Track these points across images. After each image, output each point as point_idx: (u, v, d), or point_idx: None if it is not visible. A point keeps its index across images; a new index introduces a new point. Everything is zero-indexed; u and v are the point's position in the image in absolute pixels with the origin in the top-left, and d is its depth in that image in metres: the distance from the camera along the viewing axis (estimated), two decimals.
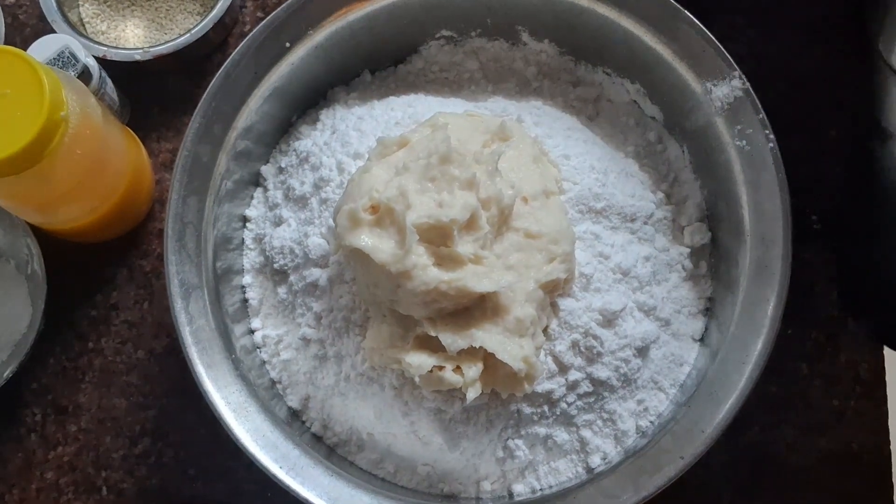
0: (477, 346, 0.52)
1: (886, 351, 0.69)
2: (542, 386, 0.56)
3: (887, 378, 0.68)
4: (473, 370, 0.52)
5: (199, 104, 0.60)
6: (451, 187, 0.51)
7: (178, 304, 0.57)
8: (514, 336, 0.53)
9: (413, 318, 0.53)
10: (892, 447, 0.67)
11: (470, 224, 0.52)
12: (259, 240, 0.63)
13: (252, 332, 0.62)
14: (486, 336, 0.52)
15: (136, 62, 0.69)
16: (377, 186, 0.53)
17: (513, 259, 0.53)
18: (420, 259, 0.51)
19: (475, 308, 0.53)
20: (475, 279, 0.51)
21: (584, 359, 0.56)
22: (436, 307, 0.52)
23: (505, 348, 0.52)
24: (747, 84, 0.59)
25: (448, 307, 0.52)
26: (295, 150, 0.63)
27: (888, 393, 0.68)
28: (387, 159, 0.55)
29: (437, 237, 0.51)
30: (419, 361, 0.52)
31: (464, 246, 0.51)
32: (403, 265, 0.50)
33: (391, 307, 0.53)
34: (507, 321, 0.52)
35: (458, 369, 0.52)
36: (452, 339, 0.52)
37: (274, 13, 0.61)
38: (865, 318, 0.67)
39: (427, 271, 0.51)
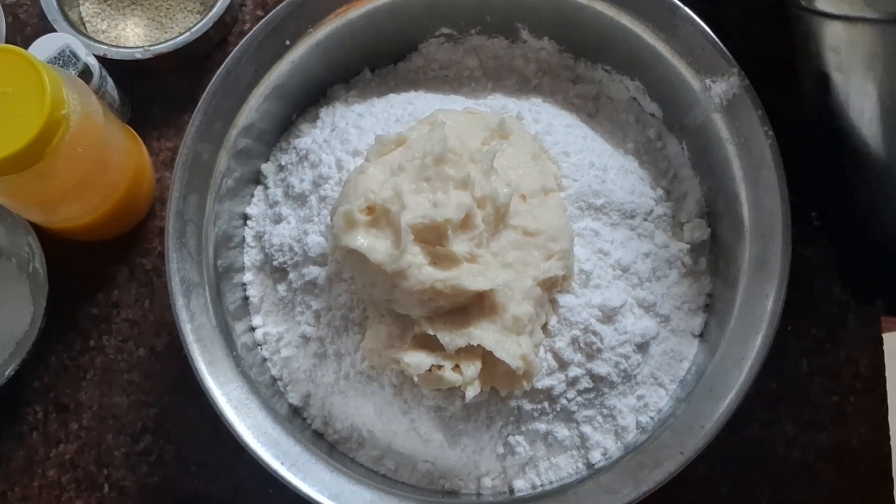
0: (475, 345, 0.52)
1: (886, 347, 0.69)
2: (542, 382, 0.56)
3: (887, 374, 0.68)
4: (472, 369, 0.52)
5: (200, 102, 0.60)
6: (445, 187, 0.52)
7: (179, 302, 0.57)
8: (511, 334, 0.53)
9: (411, 317, 0.53)
10: (891, 443, 0.67)
11: (465, 223, 0.52)
12: (259, 237, 0.63)
13: (253, 329, 0.63)
14: (484, 334, 0.52)
15: (137, 61, 0.69)
16: (373, 187, 0.53)
17: (510, 257, 0.54)
18: (415, 258, 0.51)
19: (473, 306, 0.53)
20: (470, 277, 0.51)
21: (584, 355, 0.57)
22: (433, 306, 0.52)
23: (503, 346, 0.52)
24: (746, 80, 0.59)
25: (445, 306, 0.52)
26: (295, 148, 0.64)
27: (888, 389, 0.68)
28: (383, 159, 0.55)
29: (433, 237, 0.51)
30: (417, 361, 0.52)
31: (459, 245, 0.52)
32: (399, 265, 0.51)
33: (389, 307, 0.54)
34: (504, 319, 0.53)
35: (456, 368, 0.53)
36: (450, 338, 0.52)
37: (274, 11, 0.61)
38: (860, 286, 0.67)
39: (422, 270, 0.51)
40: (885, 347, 0.68)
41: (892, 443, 0.67)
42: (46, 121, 0.53)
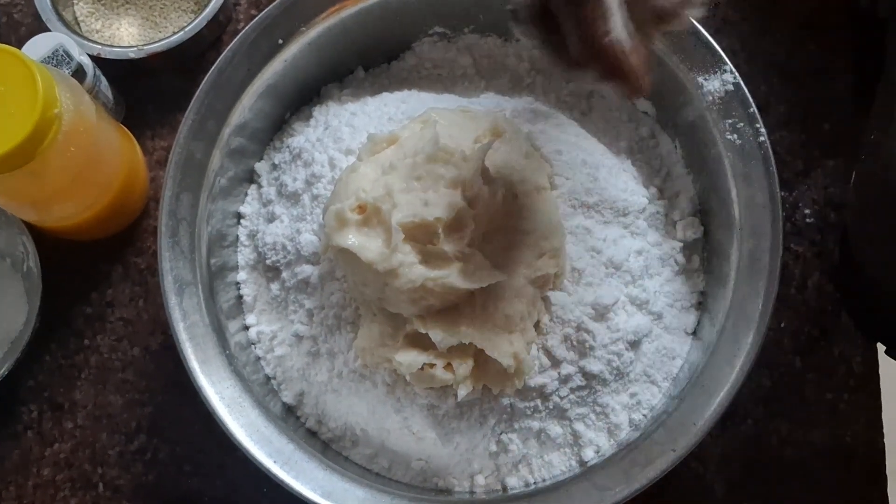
0: (467, 343, 0.52)
1: (880, 344, 0.69)
2: (535, 380, 0.56)
3: (881, 371, 0.68)
4: (464, 367, 0.53)
5: (193, 101, 0.60)
6: (436, 186, 0.52)
7: (171, 301, 0.58)
8: (503, 332, 0.53)
9: (403, 316, 0.53)
10: (885, 440, 0.67)
11: (456, 222, 0.52)
12: (253, 236, 0.63)
13: (246, 328, 0.63)
14: (476, 333, 0.52)
15: (131, 60, 0.69)
16: (364, 186, 0.53)
17: (502, 255, 0.54)
18: (406, 257, 0.51)
19: (465, 305, 0.53)
20: (461, 276, 0.52)
21: (577, 352, 0.57)
22: (424, 304, 0.52)
23: (494, 345, 0.52)
24: (738, 78, 0.59)
25: (436, 304, 0.52)
26: (288, 147, 0.64)
27: (881, 386, 0.68)
28: (375, 157, 0.55)
29: (423, 235, 0.52)
30: (409, 359, 0.52)
31: (450, 243, 0.52)
32: (390, 263, 0.51)
33: (380, 306, 0.54)
34: (496, 317, 0.53)
35: (448, 366, 0.53)
36: (442, 336, 0.52)
37: (266, 10, 0.61)
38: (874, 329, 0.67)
39: (413, 269, 0.51)
40: (878, 344, 0.69)
41: (885, 440, 0.68)
42: (38, 120, 0.53)
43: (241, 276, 0.63)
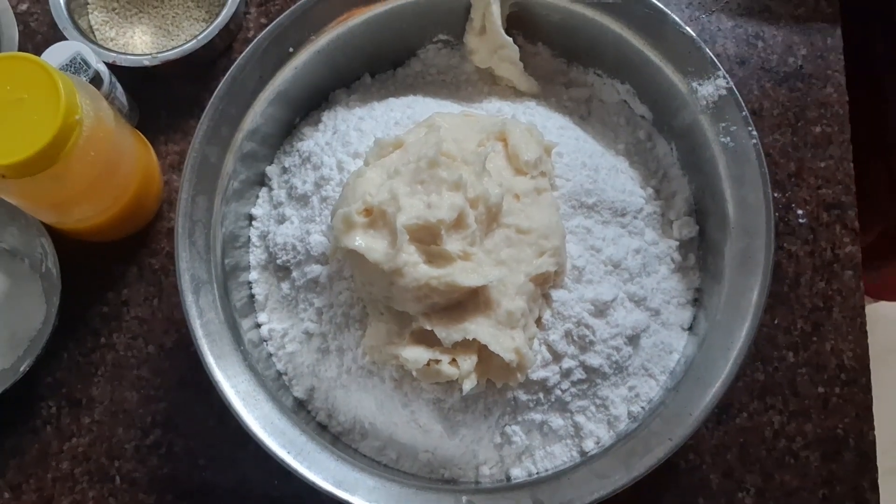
0: (470, 339, 0.54)
1: (871, 339, 0.70)
2: (537, 374, 0.58)
3: (871, 366, 0.70)
4: (468, 362, 0.54)
5: (207, 107, 0.61)
6: (439, 189, 0.53)
7: (188, 299, 0.59)
8: (505, 328, 0.54)
9: (409, 314, 0.55)
10: (875, 432, 0.69)
11: (458, 223, 0.53)
12: (264, 237, 0.65)
13: (259, 325, 0.64)
14: (479, 329, 0.54)
15: (145, 67, 0.71)
16: (370, 190, 0.55)
17: (503, 254, 0.55)
18: (411, 257, 0.53)
19: (468, 302, 0.54)
20: (463, 274, 0.53)
21: (577, 347, 0.58)
22: (429, 302, 0.54)
23: (497, 340, 0.54)
24: (731, 83, 0.61)
25: (440, 302, 0.54)
26: (298, 151, 0.65)
27: (872, 380, 0.70)
28: (381, 161, 0.57)
29: (427, 236, 0.53)
30: (416, 356, 0.54)
31: (452, 244, 0.53)
32: (395, 263, 0.52)
33: (387, 304, 0.55)
34: (498, 314, 0.54)
35: (453, 362, 0.54)
36: (447, 333, 0.54)
37: (277, 19, 0.63)
38: None
39: (417, 268, 0.53)
40: (869, 340, 0.70)
41: (876, 432, 0.69)
42: (61, 126, 0.55)
43: (253, 275, 0.65)
